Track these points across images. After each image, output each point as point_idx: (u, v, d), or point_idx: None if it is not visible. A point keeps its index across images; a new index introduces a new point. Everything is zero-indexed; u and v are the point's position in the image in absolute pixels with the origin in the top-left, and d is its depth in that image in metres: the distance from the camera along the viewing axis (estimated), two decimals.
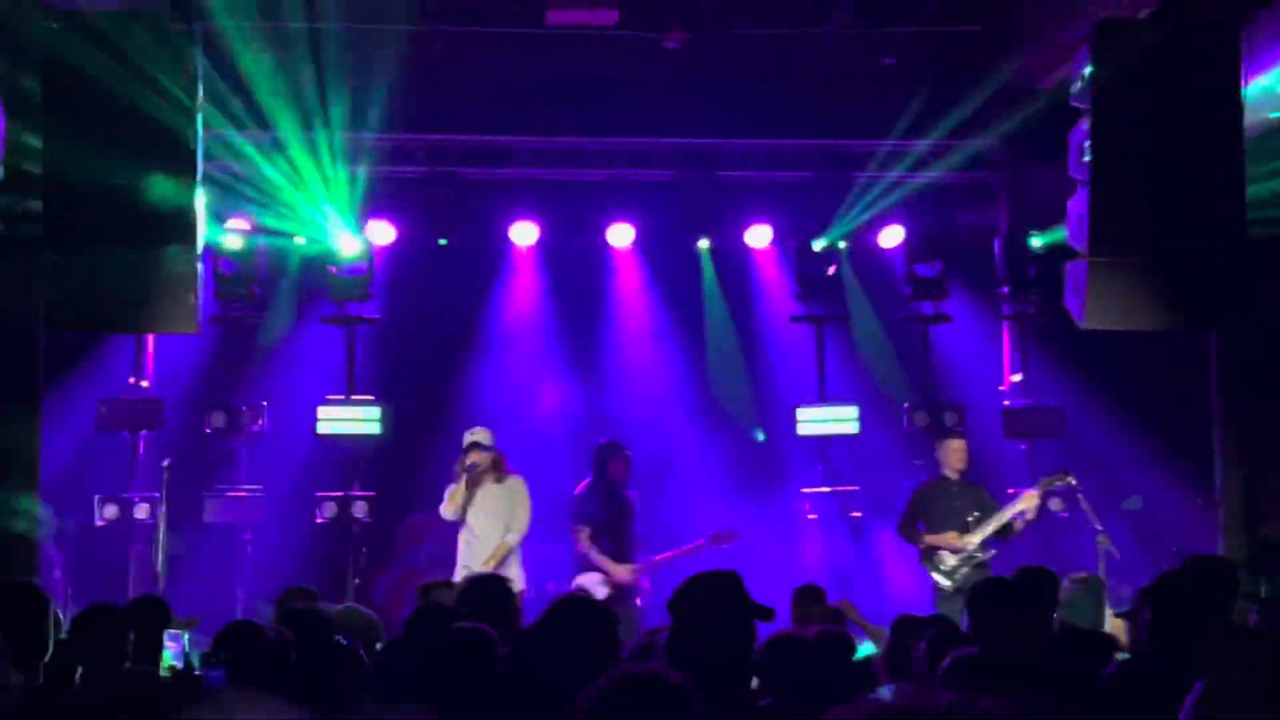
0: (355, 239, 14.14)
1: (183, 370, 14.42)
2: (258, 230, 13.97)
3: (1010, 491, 12.66)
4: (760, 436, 15.00)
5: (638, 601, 12.42)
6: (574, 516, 12.54)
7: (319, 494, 14.03)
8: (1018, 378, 15.16)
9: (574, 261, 15.34)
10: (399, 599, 12.77)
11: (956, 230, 14.73)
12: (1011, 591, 6.68)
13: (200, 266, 10.18)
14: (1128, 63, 10.12)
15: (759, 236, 15.31)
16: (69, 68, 9.61)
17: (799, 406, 14.79)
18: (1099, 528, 11.86)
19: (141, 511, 13.36)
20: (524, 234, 15.12)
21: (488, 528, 11.95)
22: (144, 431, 13.92)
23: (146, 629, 7.05)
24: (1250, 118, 10.22)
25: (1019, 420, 14.57)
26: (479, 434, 12.17)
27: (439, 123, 14.62)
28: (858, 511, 14.55)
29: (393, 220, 14.65)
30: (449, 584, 9.43)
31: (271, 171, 13.71)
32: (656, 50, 13.52)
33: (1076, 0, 11.66)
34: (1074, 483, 12.21)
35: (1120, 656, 6.39)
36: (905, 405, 14.68)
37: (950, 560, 12.07)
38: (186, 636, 8.64)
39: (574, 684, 3.67)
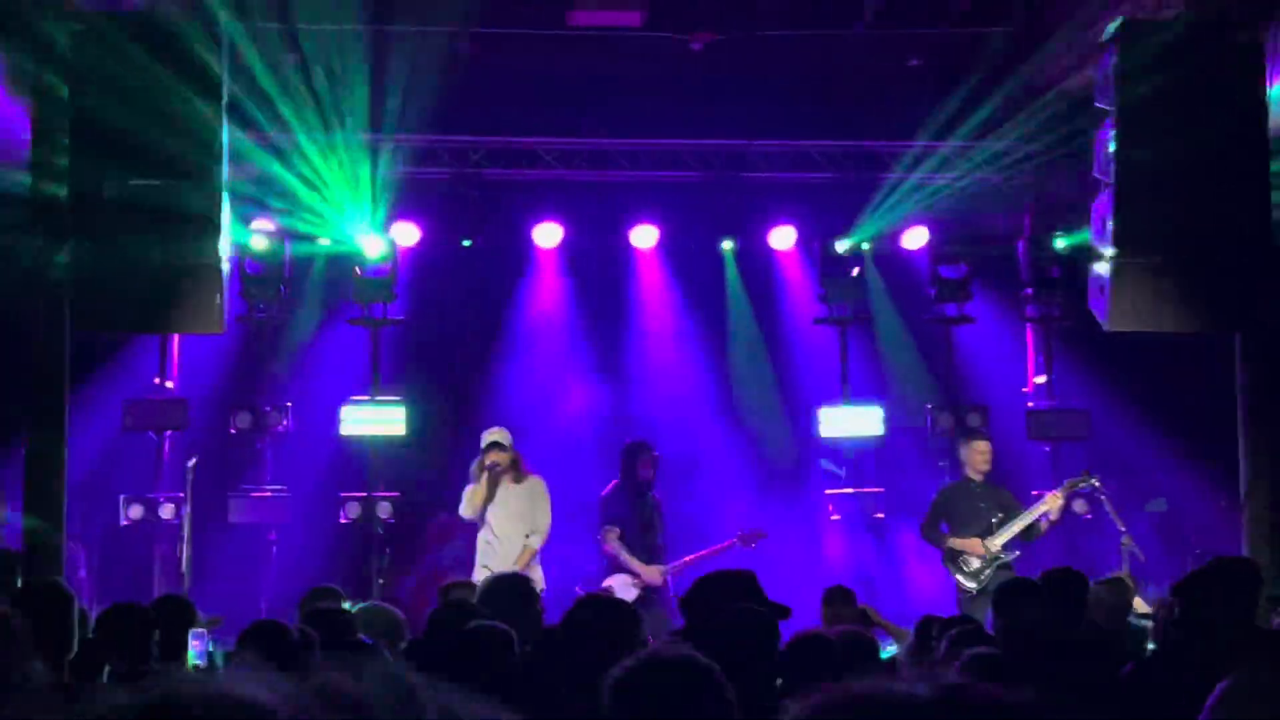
0: (380, 240, 14.17)
1: (208, 371, 14.47)
2: (283, 232, 14.02)
3: (1034, 493, 12.64)
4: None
5: (668, 602, 12.40)
6: (602, 517, 12.51)
7: (343, 494, 14.07)
8: (1042, 379, 15.13)
9: (598, 263, 15.36)
10: (424, 599, 12.78)
11: (981, 232, 14.71)
12: (1039, 592, 6.69)
13: (226, 267, 10.21)
14: (1152, 64, 10.09)
15: (783, 238, 15.31)
16: (94, 69, 9.65)
17: (822, 407, 14.78)
18: (1123, 529, 11.83)
19: (167, 511, 13.40)
20: (548, 235, 15.14)
21: (507, 528, 11.95)
22: (169, 432, 13.97)
23: (171, 628, 7.07)
24: (1275, 119, 10.19)
25: (1043, 422, 14.53)
26: (497, 434, 12.17)
27: (463, 124, 14.64)
28: (881, 513, 14.53)
29: (417, 222, 14.69)
30: (469, 584, 9.45)
31: (296, 173, 13.75)
32: (681, 51, 13.53)
33: (1102, 1, 11.64)
34: (1098, 484, 12.18)
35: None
36: (929, 407, 14.67)
37: (974, 562, 12.05)
38: (211, 636, 8.67)
39: (597, 682, 3.68)
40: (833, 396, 14.94)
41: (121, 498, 13.52)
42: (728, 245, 15.49)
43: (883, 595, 12.38)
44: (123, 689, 1.08)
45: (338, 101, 13.30)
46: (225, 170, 10.19)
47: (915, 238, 14.90)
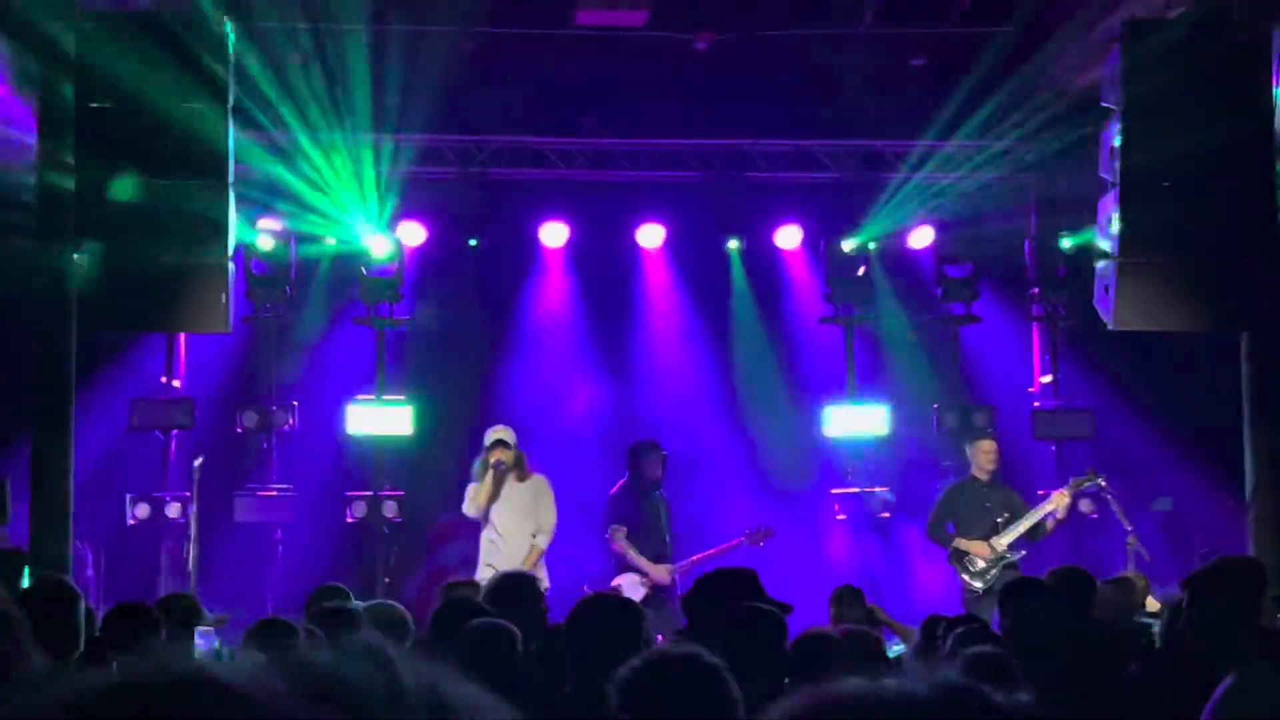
0: (386, 240, 14.19)
1: (214, 370, 14.50)
2: (289, 232, 14.04)
3: (1040, 493, 12.64)
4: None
5: (676, 601, 12.38)
6: (610, 516, 12.48)
7: (349, 493, 14.09)
8: (1048, 379, 15.13)
9: (604, 262, 15.36)
10: (429, 598, 12.78)
11: (986, 231, 14.70)
12: (1045, 590, 6.69)
13: (232, 267, 10.23)
14: (1158, 63, 10.09)
15: (789, 237, 15.32)
16: (101, 69, 9.66)
17: (828, 406, 14.80)
18: (1129, 529, 11.83)
19: (173, 511, 13.43)
20: (554, 235, 15.15)
21: (512, 526, 11.93)
22: (176, 431, 13.99)
23: (177, 627, 7.09)
24: None
25: (1049, 421, 14.54)
26: (502, 432, 12.15)
27: (469, 124, 14.65)
28: (886, 512, 14.54)
29: (423, 221, 14.70)
30: (473, 583, 9.45)
31: (302, 173, 13.77)
32: (685, 51, 13.54)
33: (1107, 0, 11.64)
34: (1103, 483, 12.19)
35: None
36: (935, 406, 14.67)
37: (980, 562, 12.05)
38: (217, 635, 8.68)
39: (602, 680, 3.69)
40: (838, 396, 14.95)
41: (128, 497, 13.54)
42: (733, 245, 15.48)
43: (888, 595, 12.37)
44: (91, 670, 1.08)
45: (343, 101, 13.31)
46: (231, 170, 10.20)
47: (921, 237, 14.90)
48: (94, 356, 11.94)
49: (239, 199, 10.68)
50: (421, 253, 14.77)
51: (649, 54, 13.64)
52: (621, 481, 12.63)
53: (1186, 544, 13.34)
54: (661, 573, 12.27)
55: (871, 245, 14.92)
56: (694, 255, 15.48)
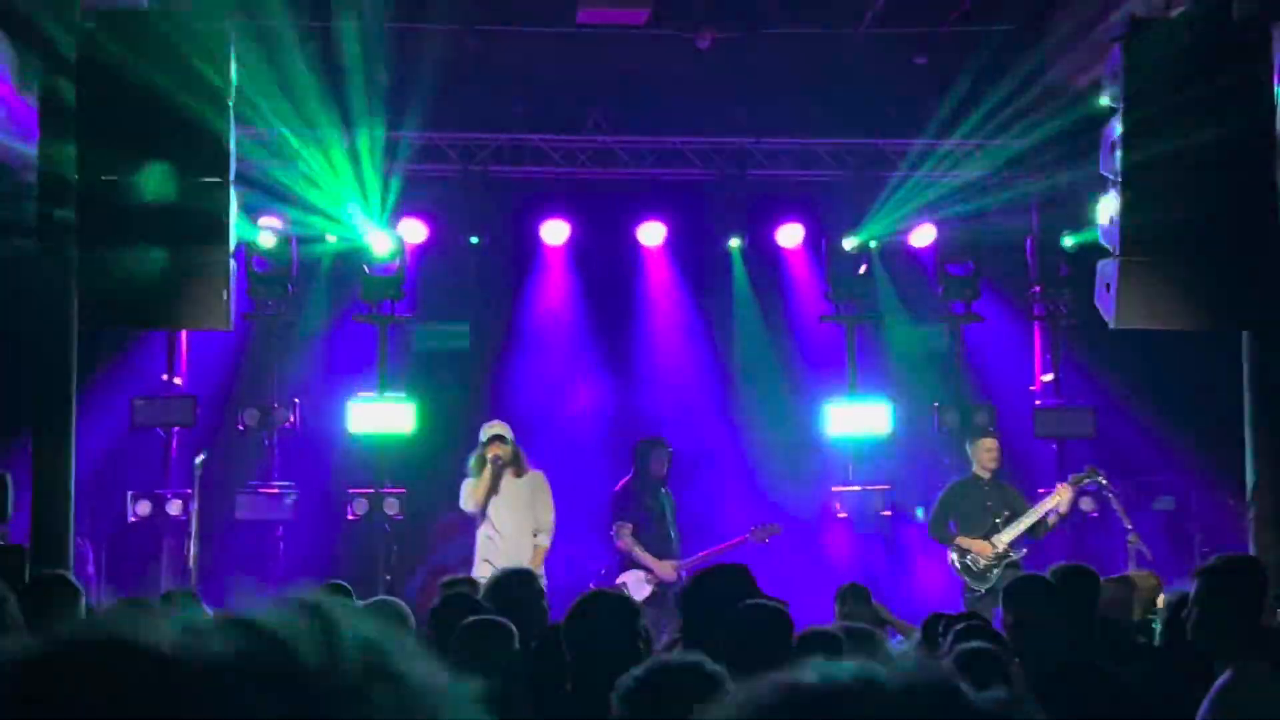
0: (388, 237, 14.19)
1: (216, 368, 14.51)
2: (290, 229, 14.04)
3: (1040, 491, 12.65)
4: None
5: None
6: (615, 513, 12.46)
7: (351, 490, 14.10)
8: (1049, 377, 15.14)
9: (605, 260, 15.37)
10: (430, 595, 12.77)
11: (988, 230, 14.71)
12: (1049, 587, 6.70)
13: (233, 264, 10.22)
14: (1159, 61, 10.08)
15: (790, 235, 15.33)
16: (102, 65, 9.66)
17: (829, 404, 14.80)
18: (1129, 527, 11.83)
19: (174, 508, 13.44)
20: (555, 232, 15.16)
21: (510, 522, 11.87)
22: (177, 429, 14.00)
23: None
24: None
25: (1050, 420, 14.54)
26: (498, 427, 12.11)
27: (471, 122, 14.66)
28: (888, 510, 14.55)
29: (425, 219, 14.71)
30: (470, 580, 9.44)
31: (304, 170, 13.77)
32: (688, 49, 13.54)
33: None
34: (1104, 481, 12.19)
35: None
36: (935, 405, 14.68)
37: (981, 561, 12.05)
38: None
39: (601, 676, 3.69)
40: (840, 394, 14.95)
41: (129, 494, 13.55)
42: (735, 243, 15.48)
43: (889, 593, 12.38)
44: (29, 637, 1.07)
45: (345, 98, 13.31)
46: (233, 167, 10.20)
47: (922, 236, 14.90)
48: (95, 354, 11.95)
49: (241, 196, 10.68)
50: (423, 250, 14.78)
51: (651, 52, 13.65)
52: (626, 478, 12.62)
53: (1187, 543, 13.35)
54: (667, 569, 12.25)
55: (873, 244, 14.93)
56: (695, 253, 15.49)
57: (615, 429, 14.63)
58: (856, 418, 14.78)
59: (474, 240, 15.17)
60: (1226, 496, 12.64)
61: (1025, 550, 12.08)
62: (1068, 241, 14.25)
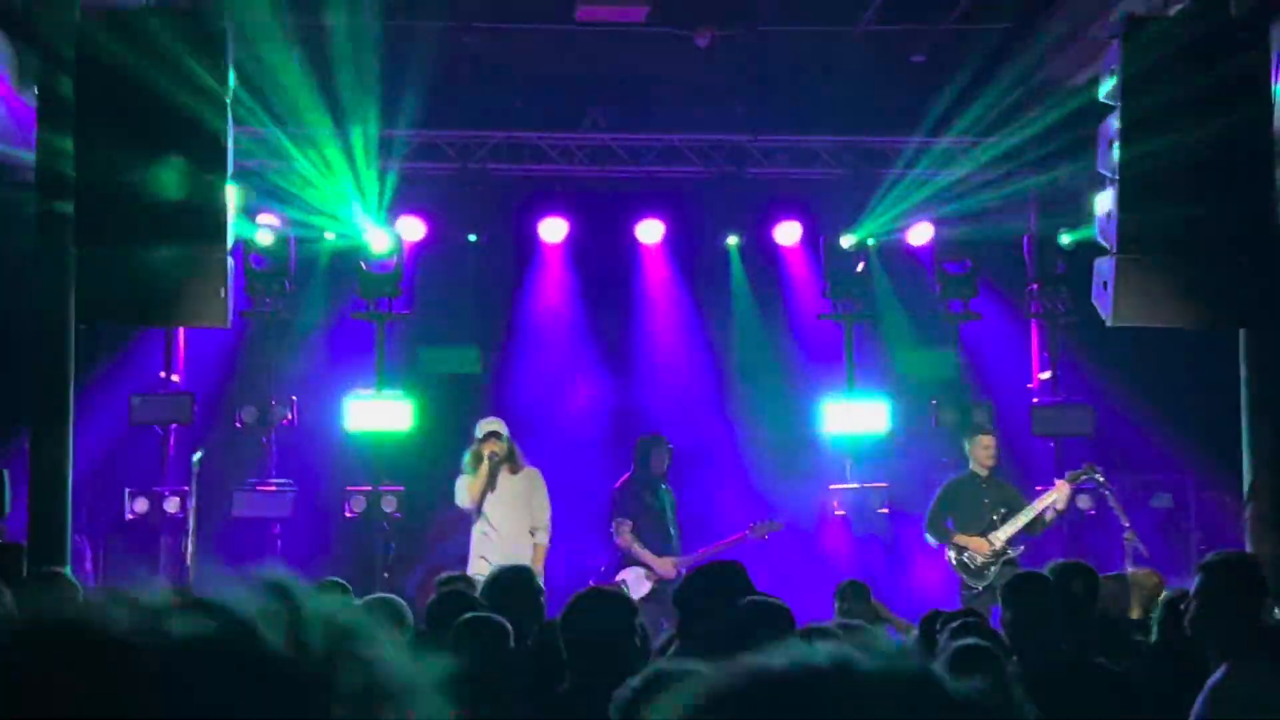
0: (385, 235, 14.19)
1: (214, 365, 14.51)
2: (288, 226, 14.05)
3: (1038, 489, 12.65)
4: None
5: None
6: (615, 510, 12.43)
7: (348, 488, 14.10)
8: (1046, 375, 15.14)
9: (603, 258, 15.37)
10: (428, 592, 12.76)
11: (986, 227, 14.71)
12: (1048, 584, 6.71)
13: (231, 261, 10.22)
14: (1157, 59, 10.08)
15: (788, 233, 15.33)
16: (101, 63, 9.65)
17: (827, 402, 14.81)
18: (1126, 525, 11.84)
19: (172, 505, 13.44)
20: (553, 230, 15.16)
21: (506, 519, 11.84)
22: (175, 426, 14.00)
23: None
24: None
25: (1047, 418, 14.55)
26: (495, 423, 12.09)
27: (469, 119, 14.66)
28: (885, 508, 14.55)
29: (423, 216, 14.71)
30: (465, 577, 9.44)
31: (302, 168, 13.77)
32: (686, 47, 13.54)
33: None
34: (1101, 478, 12.19)
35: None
36: (933, 402, 14.69)
37: (979, 558, 12.06)
38: None
39: (598, 673, 3.69)
40: (837, 392, 14.95)
41: (127, 491, 13.56)
42: (732, 241, 15.49)
43: (887, 591, 12.39)
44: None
45: (343, 96, 13.31)
46: (230, 164, 10.20)
47: (920, 234, 14.91)
48: (93, 351, 11.95)
49: (239, 193, 10.68)
50: (421, 247, 14.78)
51: (649, 49, 13.65)
52: (626, 475, 12.60)
53: (1185, 540, 13.35)
54: (666, 566, 12.23)
55: (870, 242, 14.93)
56: (693, 251, 15.49)
57: (613, 426, 14.64)
58: (854, 415, 14.79)
59: (472, 238, 15.17)
60: (1224, 495, 12.65)
61: (1023, 547, 12.09)
62: (1065, 239, 14.27)
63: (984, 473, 12.44)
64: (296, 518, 14.04)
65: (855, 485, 14.69)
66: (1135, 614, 8.88)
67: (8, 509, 9.44)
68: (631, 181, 15.17)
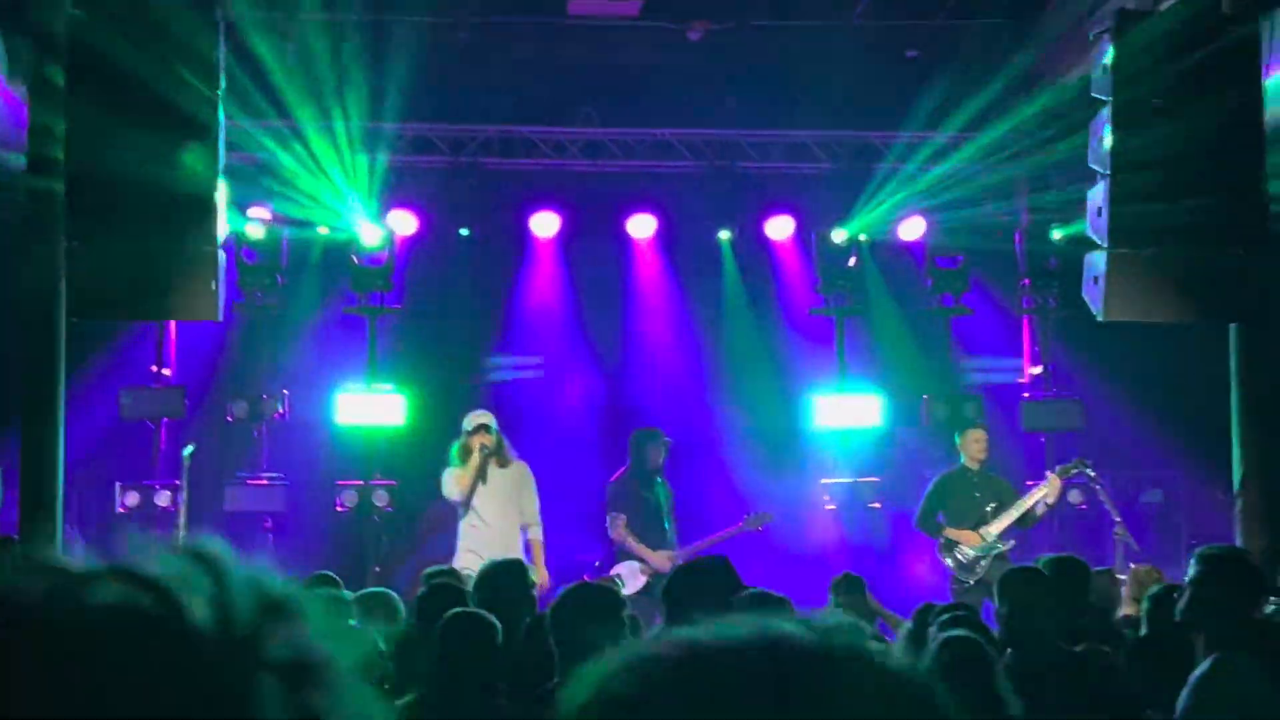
0: (377, 229, 14.18)
1: (205, 359, 14.49)
2: (280, 220, 14.03)
3: (1029, 483, 12.66)
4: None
5: None
6: (611, 503, 12.39)
7: (340, 482, 14.09)
8: (1037, 370, 15.15)
9: (595, 252, 15.36)
10: (419, 587, 12.78)
11: (977, 222, 14.71)
12: (1044, 578, 6.73)
13: (222, 254, 10.21)
14: (1148, 54, 10.09)
15: (780, 228, 15.33)
16: (92, 55, 9.64)
17: (818, 396, 14.81)
18: (1117, 519, 11.85)
19: (163, 499, 13.43)
20: (545, 224, 15.15)
21: (495, 512, 11.77)
22: (166, 420, 13.99)
23: None
24: (1271, 110, 10.19)
25: (1038, 412, 14.56)
26: (485, 416, 12.01)
27: (461, 113, 14.65)
28: (877, 502, 14.56)
29: (415, 210, 14.70)
30: (453, 571, 9.42)
31: (293, 161, 13.75)
32: (679, 42, 13.54)
33: None
34: (1092, 473, 12.20)
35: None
36: (924, 397, 14.70)
37: (970, 552, 12.06)
38: None
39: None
40: (830, 387, 14.96)
41: (117, 485, 13.54)
42: (725, 235, 15.49)
43: (878, 585, 12.39)
44: None
45: (335, 89, 13.29)
46: (222, 157, 10.18)
47: (912, 228, 14.91)
48: (84, 345, 11.93)
49: (230, 186, 10.66)
50: (413, 241, 14.77)
51: (641, 44, 13.65)
52: (622, 469, 12.57)
53: (1175, 535, 13.37)
54: (662, 560, 12.17)
55: (862, 236, 14.94)
56: (685, 245, 15.49)
57: (605, 421, 14.63)
58: (846, 409, 14.80)
59: (464, 232, 15.17)
60: (1214, 489, 12.67)
61: (1013, 541, 12.09)
62: (1056, 234, 14.27)
63: (975, 467, 12.44)
64: (287, 512, 14.03)
65: (846, 479, 14.69)
66: (1132, 611, 8.87)
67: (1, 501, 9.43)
68: (624, 176, 15.16)
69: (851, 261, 14.93)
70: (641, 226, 15.26)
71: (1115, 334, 11.75)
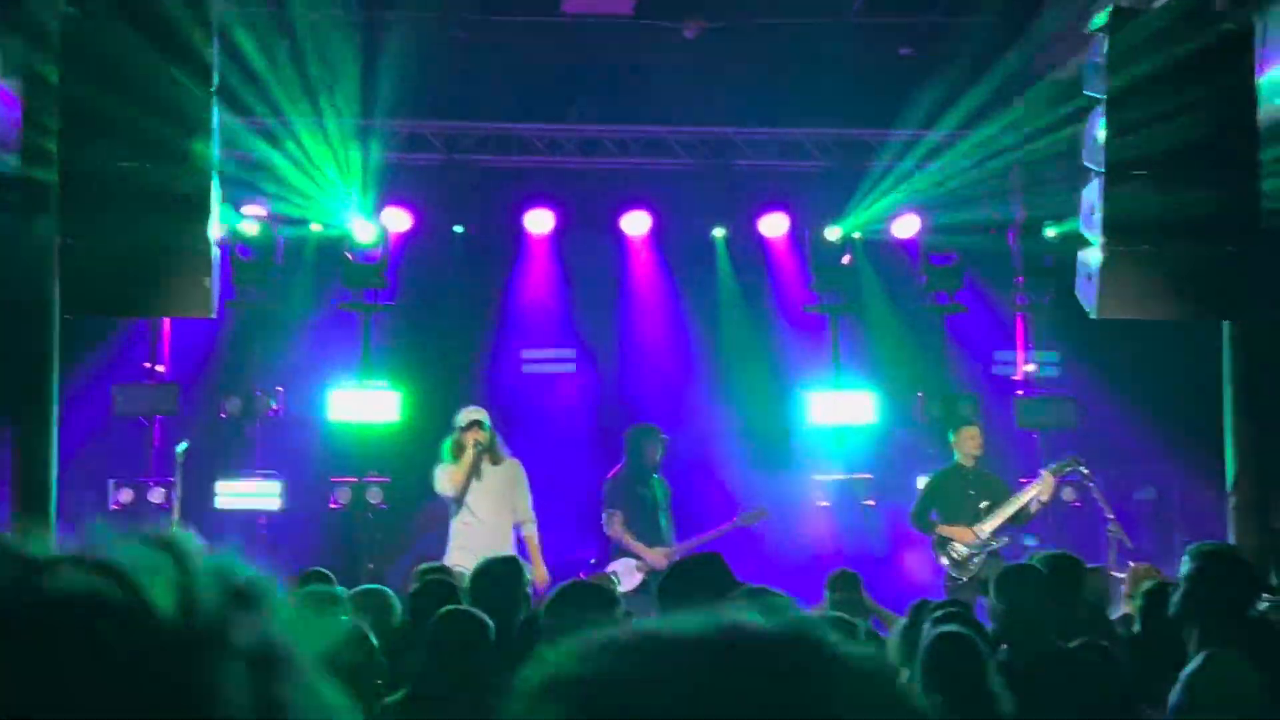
0: (371, 226, 14.18)
1: (199, 355, 14.49)
2: (274, 216, 14.03)
3: (1022, 480, 12.67)
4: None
5: None
6: (607, 500, 12.36)
7: (334, 479, 14.09)
8: (1031, 367, 15.16)
9: (589, 249, 15.35)
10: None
11: (971, 220, 14.72)
12: (1041, 576, 6.74)
13: (216, 251, 10.21)
14: (1142, 52, 10.10)
15: (774, 225, 15.32)
16: (85, 52, 9.63)
17: (812, 393, 14.82)
18: (1110, 516, 11.86)
19: (156, 496, 13.42)
20: (540, 222, 15.15)
21: (487, 509, 11.71)
22: (160, 416, 13.98)
23: None
24: (1264, 107, 10.20)
25: (1032, 410, 14.57)
26: (478, 412, 11.94)
27: (456, 110, 14.65)
28: (871, 499, 14.56)
29: (409, 207, 14.68)
30: (443, 567, 9.40)
31: (288, 158, 13.75)
32: (674, 39, 13.54)
33: None
34: (1084, 470, 12.21)
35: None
36: (919, 394, 14.70)
37: (963, 549, 12.06)
38: None
39: None
40: (824, 384, 14.97)
41: (111, 482, 13.53)
42: (719, 233, 15.50)
43: (872, 582, 12.40)
44: None
45: (330, 86, 13.29)
46: (216, 154, 10.17)
47: (906, 226, 14.92)
48: (78, 341, 11.92)
49: (224, 183, 10.65)
50: (407, 238, 14.77)
51: (636, 41, 13.64)
52: (619, 466, 12.55)
53: (1168, 532, 13.37)
54: (658, 556, 12.13)
55: (857, 234, 14.95)
56: (680, 243, 15.49)
57: (599, 418, 14.63)
58: (840, 407, 14.80)
59: (458, 229, 15.16)
60: (1207, 486, 12.67)
61: (1007, 539, 12.10)
62: (1051, 232, 14.27)
63: (970, 464, 12.44)
64: (281, 509, 14.02)
65: (840, 476, 14.70)
66: (1130, 610, 8.87)
67: None
68: (618, 173, 15.16)
69: (846, 259, 14.94)
70: (636, 223, 15.26)
71: (1109, 331, 11.77)
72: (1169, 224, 10.13)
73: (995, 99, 13.57)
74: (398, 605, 7.69)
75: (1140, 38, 10.14)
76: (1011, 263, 15.02)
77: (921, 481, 13.05)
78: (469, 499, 11.74)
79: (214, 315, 10.66)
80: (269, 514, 14.01)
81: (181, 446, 12.87)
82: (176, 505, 12.84)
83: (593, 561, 12.53)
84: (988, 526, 12.04)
